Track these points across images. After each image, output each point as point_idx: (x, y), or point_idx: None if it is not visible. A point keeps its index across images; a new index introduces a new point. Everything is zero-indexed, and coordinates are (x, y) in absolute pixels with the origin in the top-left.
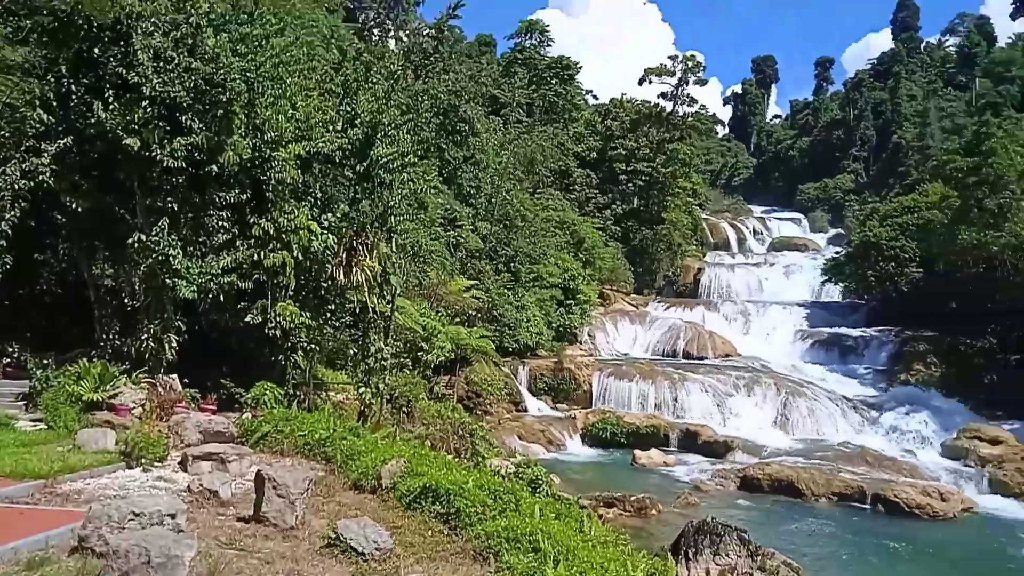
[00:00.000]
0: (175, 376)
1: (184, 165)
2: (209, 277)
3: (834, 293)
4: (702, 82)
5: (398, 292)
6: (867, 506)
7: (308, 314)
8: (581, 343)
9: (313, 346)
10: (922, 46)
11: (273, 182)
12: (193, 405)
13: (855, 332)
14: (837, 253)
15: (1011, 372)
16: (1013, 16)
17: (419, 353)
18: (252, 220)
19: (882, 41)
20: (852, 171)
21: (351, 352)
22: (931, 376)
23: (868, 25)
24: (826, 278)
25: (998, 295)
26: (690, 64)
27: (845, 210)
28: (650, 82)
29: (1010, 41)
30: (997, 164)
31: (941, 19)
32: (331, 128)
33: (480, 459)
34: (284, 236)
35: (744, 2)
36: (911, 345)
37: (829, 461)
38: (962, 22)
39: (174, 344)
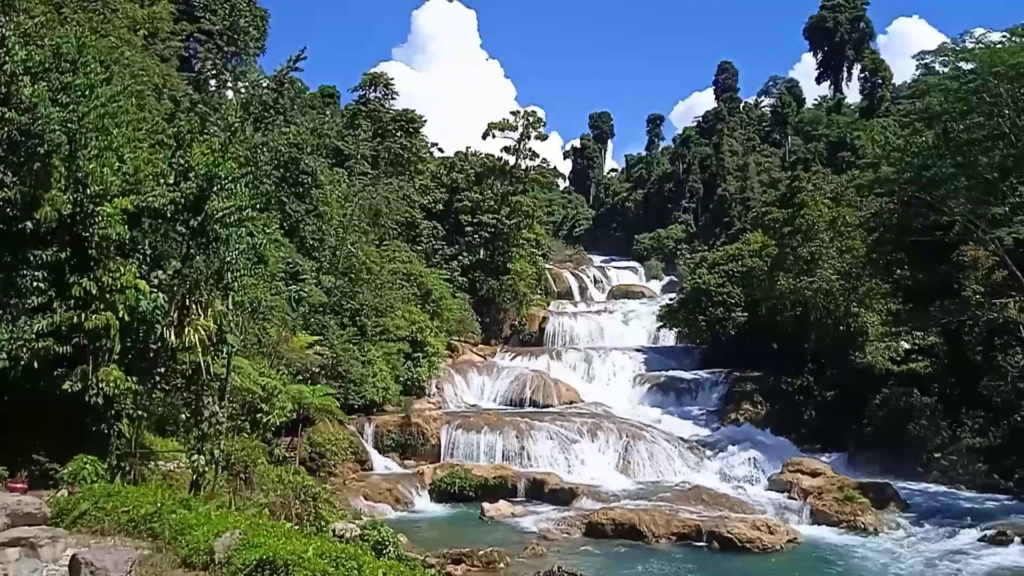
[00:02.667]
0: None
1: None
2: (21, 343)
3: (669, 338)
4: (543, 137)
5: (235, 351)
6: (704, 543)
7: (134, 378)
8: (429, 396)
9: (140, 413)
10: (741, 106)
11: (97, 238)
12: (0, 485)
13: (689, 375)
14: (671, 299)
15: (827, 407)
16: (818, 80)
17: (258, 415)
18: (72, 279)
19: (706, 99)
20: (683, 222)
21: (183, 417)
22: (758, 414)
23: (693, 84)
24: (661, 323)
25: (813, 336)
26: (531, 119)
27: (677, 258)
28: (494, 136)
29: (816, 102)
30: (808, 215)
31: (757, 81)
32: (162, 181)
33: (323, 524)
34: (108, 296)
35: (581, 61)
36: (739, 385)
37: (668, 502)
38: (775, 84)
39: None
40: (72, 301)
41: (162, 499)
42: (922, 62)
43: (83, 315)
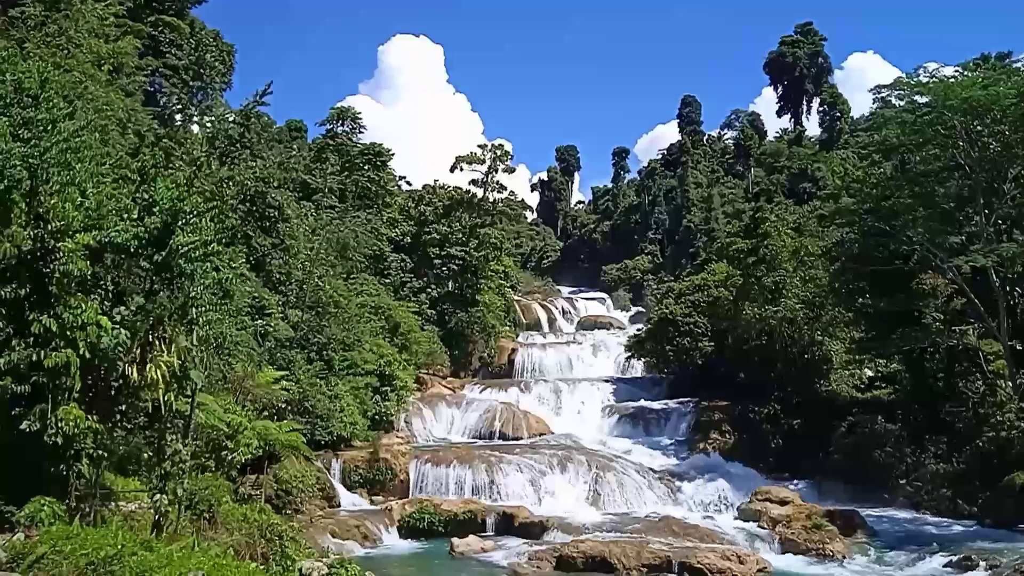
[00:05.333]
0: None
1: None
2: None
3: (637, 368)
4: (510, 170)
5: (199, 388)
6: (674, 575)
7: (95, 417)
8: (398, 431)
9: (101, 452)
10: (705, 138)
11: (57, 275)
12: None
13: (658, 405)
14: (639, 330)
15: (793, 435)
16: (778, 113)
17: (223, 452)
18: (32, 317)
19: (670, 131)
20: (649, 252)
21: (145, 456)
22: (726, 443)
23: (657, 117)
24: (629, 354)
25: (779, 365)
26: (499, 152)
27: (644, 289)
28: (461, 169)
29: (777, 135)
30: (772, 245)
31: (719, 114)
32: (126, 216)
33: (290, 563)
34: (69, 333)
35: (546, 94)
36: (707, 415)
37: (639, 533)
38: (737, 117)
39: None
40: (31, 339)
41: (123, 541)
42: (879, 95)
43: (42, 353)
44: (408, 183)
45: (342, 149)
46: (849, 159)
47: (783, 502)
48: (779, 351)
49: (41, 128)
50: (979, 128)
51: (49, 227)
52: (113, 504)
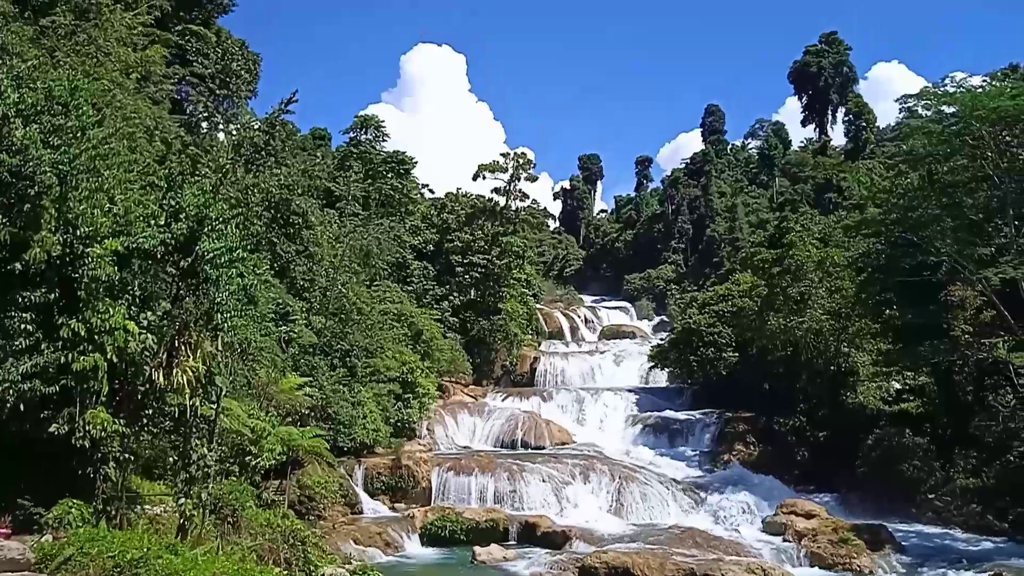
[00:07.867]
0: None
1: None
2: (7, 384)
3: (661, 378)
4: (533, 178)
5: (224, 393)
6: None
7: (122, 421)
8: (420, 438)
9: (127, 456)
10: (728, 147)
11: (86, 280)
12: None
13: (681, 415)
14: (662, 340)
15: (819, 448)
16: (803, 123)
17: (247, 457)
18: (60, 321)
19: (692, 139)
20: (672, 262)
21: (171, 460)
22: (750, 455)
23: (679, 125)
24: (653, 364)
25: (804, 376)
26: (521, 161)
27: (668, 298)
28: (484, 177)
29: (802, 145)
30: (797, 255)
31: (743, 123)
32: (153, 222)
33: (312, 569)
34: (97, 337)
35: (569, 103)
36: (732, 426)
37: (662, 544)
38: (761, 127)
39: None
40: (60, 343)
41: (148, 544)
42: (905, 105)
43: (71, 356)
44: (431, 191)
45: (365, 157)
46: (875, 169)
47: (809, 515)
48: (804, 362)
49: (71, 135)
50: (1008, 139)
51: (78, 232)
52: (139, 507)
